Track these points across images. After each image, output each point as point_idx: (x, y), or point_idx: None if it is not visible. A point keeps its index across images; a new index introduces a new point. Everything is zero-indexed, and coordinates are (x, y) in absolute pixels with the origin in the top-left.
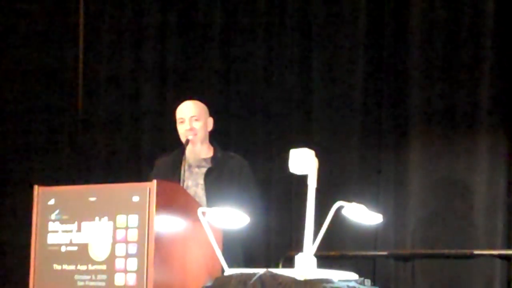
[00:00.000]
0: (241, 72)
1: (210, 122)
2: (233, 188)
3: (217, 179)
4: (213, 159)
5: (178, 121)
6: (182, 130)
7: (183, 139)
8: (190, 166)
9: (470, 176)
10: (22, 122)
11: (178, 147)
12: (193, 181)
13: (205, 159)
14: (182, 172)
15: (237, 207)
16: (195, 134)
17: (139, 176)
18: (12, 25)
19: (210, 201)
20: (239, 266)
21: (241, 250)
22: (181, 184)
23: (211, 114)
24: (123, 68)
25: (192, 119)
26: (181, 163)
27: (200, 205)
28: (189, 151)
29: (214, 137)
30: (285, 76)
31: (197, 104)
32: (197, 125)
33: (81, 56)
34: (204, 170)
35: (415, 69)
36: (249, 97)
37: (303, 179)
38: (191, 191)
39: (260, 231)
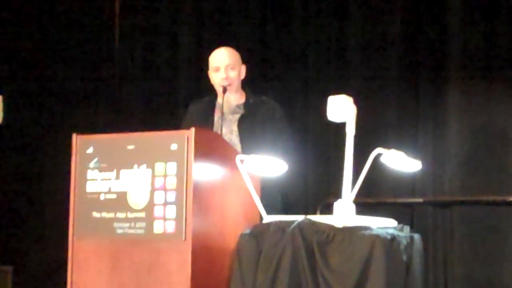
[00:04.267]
0: (278, 18)
1: (243, 70)
2: (267, 133)
3: (251, 125)
4: (246, 105)
5: (212, 69)
6: (218, 79)
7: (217, 87)
8: (223, 113)
9: (509, 121)
10: (61, 72)
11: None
12: (227, 128)
13: (237, 105)
14: (215, 119)
15: (272, 152)
16: (231, 84)
17: (176, 124)
18: None
19: (245, 148)
20: (277, 213)
21: (279, 197)
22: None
23: (246, 60)
24: (159, 15)
25: (227, 67)
26: (214, 110)
27: (238, 153)
28: (224, 99)
29: (250, 84)
30: (322, 22)
31: (232, 52)
32: (233, 74)
33: (117, 6)
34: (237, 116)
35: (454, 13)
36: (286, 43)
37: (340, 126)
38: (226, 138)
39: (298, 178)
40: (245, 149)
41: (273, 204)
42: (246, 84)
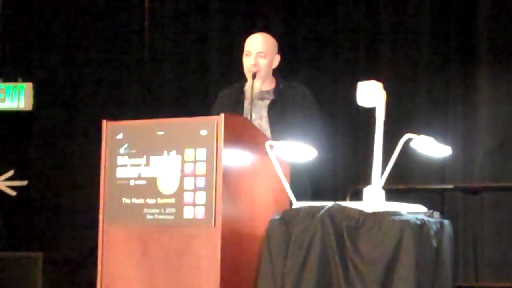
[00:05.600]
0: (308, 4)
1: (277, 59)
2: (297, 118)
3: (281, 110)
4: (276, 90)
5: (244, 52)
6: (247, 64)
7: (246, 72)
8: (252, 99)
9: None
10: (90, 58)
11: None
12: (257, 114)
13: (267, 91)
14: (245, 105)
15: (301, 137)
16: (258, 71)
17: (206, 110)
18: None
19: (275, 133)
20: (306, 199)
21: (308, 183)
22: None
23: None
24: (189, 2)
25: (258, 54)
26: (244, 96)
27: (267, 139)
28: (250, 85)
29: (280, 70)
30: (352, 7)
31: (267, 39)
32: (262, 62)
33: None
34: (267, 102)
35: None
36: (316, 29)
37: (370, 112)
38: (255, 124)
39: (327, 164)
40: (275, 135)
41: (302, 190)
42: (277, 71)
